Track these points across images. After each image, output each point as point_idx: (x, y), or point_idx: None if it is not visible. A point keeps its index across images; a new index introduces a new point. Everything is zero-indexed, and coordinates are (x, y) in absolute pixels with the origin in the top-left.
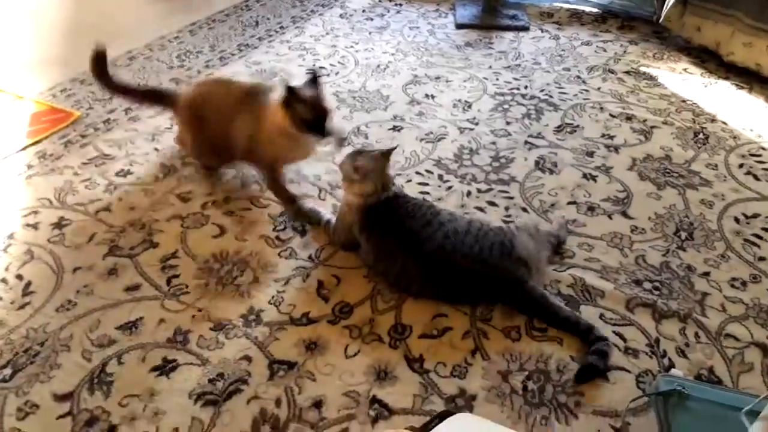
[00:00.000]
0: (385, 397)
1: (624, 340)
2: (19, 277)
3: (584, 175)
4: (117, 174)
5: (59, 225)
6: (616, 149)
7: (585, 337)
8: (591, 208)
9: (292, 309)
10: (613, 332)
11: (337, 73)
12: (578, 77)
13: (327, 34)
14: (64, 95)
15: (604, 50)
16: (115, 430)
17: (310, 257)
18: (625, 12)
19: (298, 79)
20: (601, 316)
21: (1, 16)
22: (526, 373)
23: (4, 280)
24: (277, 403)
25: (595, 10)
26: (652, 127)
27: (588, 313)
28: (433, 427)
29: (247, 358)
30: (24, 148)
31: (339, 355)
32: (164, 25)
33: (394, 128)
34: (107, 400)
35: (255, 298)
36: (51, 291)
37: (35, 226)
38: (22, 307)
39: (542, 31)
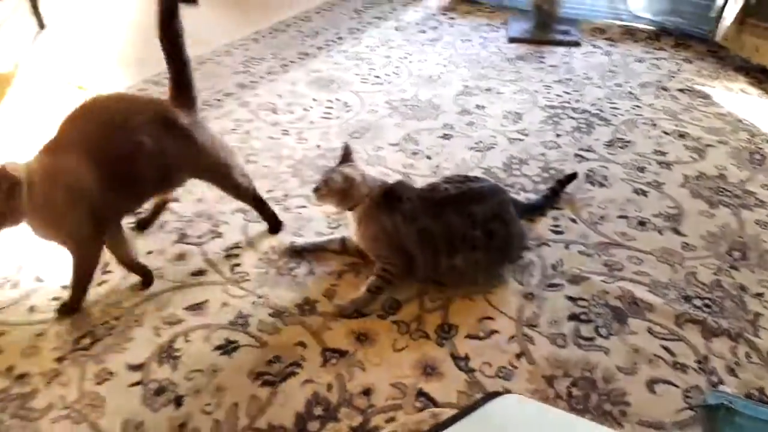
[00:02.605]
0: (431, 391)
1: (672, 354)
2: None
3: (635, 190)
4: None
5: (135, 213)
6: (669, 166)
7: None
8: (641, 223)
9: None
10: (661, 346)
11: (390, 83)
12: (630, 93)
13: (382, 45)
14: (140, 94)
15: (658, 67)
16: (181, 400)
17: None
18: (680, 30)
19: (356, 85)
20: (649, 330)
21: (89, 22)
22: (571, 379)
23: None
24: (329, 387)
25: (649, 27)
26: (707, 145)
27: (636, 326)
28: (481, 405)
29: (302, 344)
30: None
31: (387, 348)
32: (231, 33)
33: (444, 136)
34: (174, 372)
35: (310, 290)
36: (126, 272)
37: None
38: (100, 284)
39: (594, 47)
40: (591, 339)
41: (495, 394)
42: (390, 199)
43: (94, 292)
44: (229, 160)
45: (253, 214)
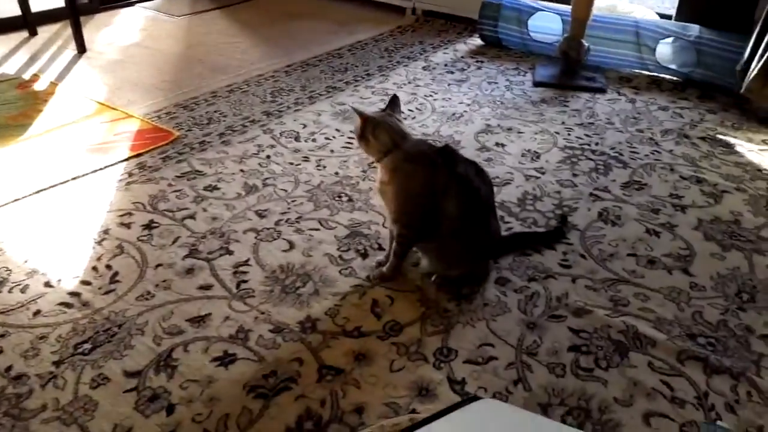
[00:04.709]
0: (423, 412)
1: (671, 389)
2: (109, 267)
3: (647, 230)
4: (205, 188)
5: (149, 226)
6: (683, 209)
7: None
8: (651, 261)
9: (345, 322)
10: (661, 381)
11: (413, 118)
12: (651, 139)
13: (409, 83)
14: (168, 117)
15: (681, 116)
16: (173, 408)
17: (367, 278)
18: (706, 82)
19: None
20: (650, 364)
21: (124, 50)
22: (567, 408)
23: (95, 268)
24: (322, 403)
25: (675, 78)
26: (723, 191)
27: (636, 360)
28: (459, 408)
29: (299, 361)
30: (127, 159)
31: (384, 369)
32: (263, 65)
33: None
34: (170, 381)
35: (313, 308)
36: (134, 282)
37: (128, 225)
38: (107, 292)
39: (619, 94)
40: (590, 370)
41: (473, 398)
42: (445, 158)
43: (99, 299)
44: None
45: (265, 233)
